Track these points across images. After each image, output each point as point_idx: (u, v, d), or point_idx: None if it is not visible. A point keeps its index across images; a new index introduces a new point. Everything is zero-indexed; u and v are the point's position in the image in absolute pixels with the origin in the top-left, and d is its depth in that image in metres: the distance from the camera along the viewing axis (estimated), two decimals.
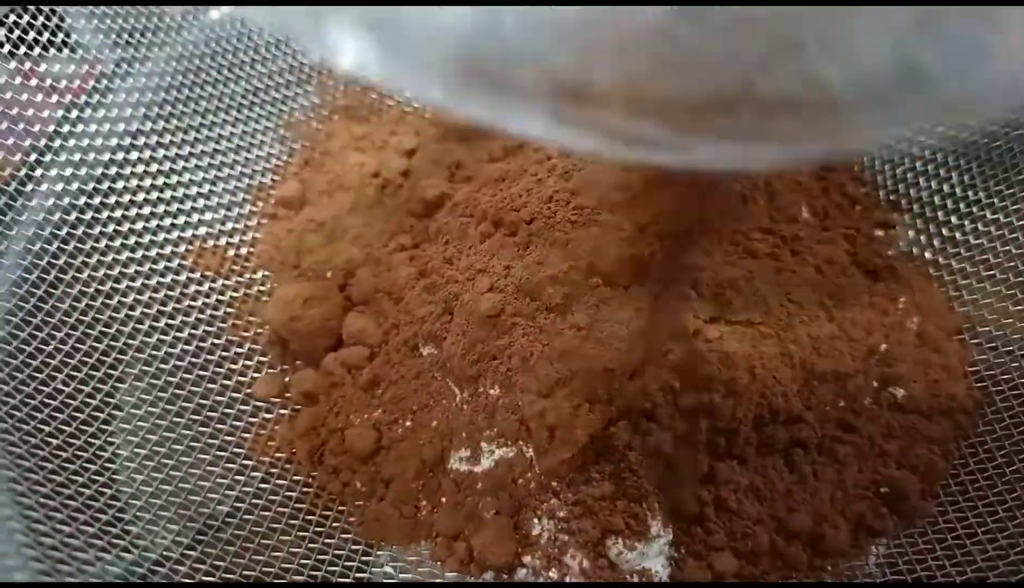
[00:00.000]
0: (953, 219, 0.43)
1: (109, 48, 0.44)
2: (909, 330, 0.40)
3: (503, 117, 0.17)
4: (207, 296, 0.41)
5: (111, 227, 0.40)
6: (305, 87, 0.51)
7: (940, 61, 0.18)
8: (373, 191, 0.45)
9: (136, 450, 0.35)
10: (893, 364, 0.38)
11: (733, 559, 0.33)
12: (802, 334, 0.37)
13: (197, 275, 0.42)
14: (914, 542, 0.34)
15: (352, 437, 0.37)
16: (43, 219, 0.38)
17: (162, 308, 0.40)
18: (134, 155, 0.42)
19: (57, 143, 0.40)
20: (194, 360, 0.39)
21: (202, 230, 0.43)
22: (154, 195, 0.42)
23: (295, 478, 0.37)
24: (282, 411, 0.39)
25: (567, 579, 0.33)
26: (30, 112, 0.40)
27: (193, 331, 0.40)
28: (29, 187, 0.38)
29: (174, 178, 0.43)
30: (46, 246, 0.37)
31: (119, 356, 0.37)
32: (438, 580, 0.34)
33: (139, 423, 0.36)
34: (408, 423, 0.37)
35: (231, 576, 0.32)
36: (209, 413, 0.38)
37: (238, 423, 0.38)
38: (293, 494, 0.36)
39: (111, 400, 0.36)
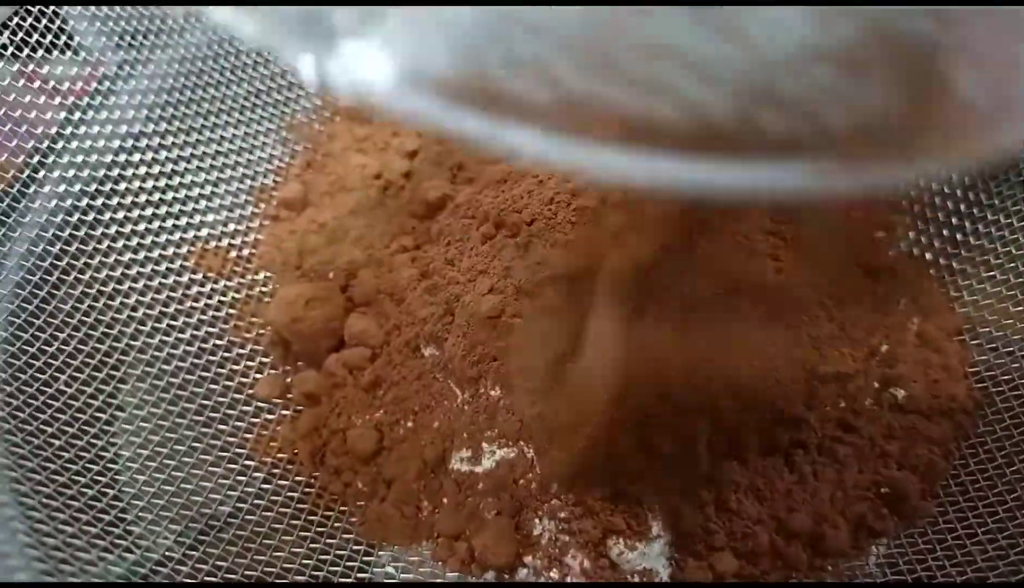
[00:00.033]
0: (953, 219, 0.43)
1: (111, 50, 0.44)
2: (909, 330, 0.40)
3: (497, 134, 0.16)
4: (209, 297, 0.41)
5: (113, 228, 0.40)
6: (307, 89, 0.51)
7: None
8: (375, 193, 0.46)
9: (138, 451, 0.35)
10: (893, 365, 0.38)
11: (733, 559, 0.33)
12: (803, 335, 0.37)
13: (199, 276, 0.42)
14: (914, 542, 0.34)
15: (354, 438, 0.37)
16: (46, 220, 0.38)
17: (164, 309, 0.40)
18: (136, 157, 0.42)
19: (60, 145, 0.40)
20: (196, 361, 0.39)
21: (204, 231, 0.43)
22: (156, 196, 0.42)
23: (297, 478, 0.37)
24: (284, 412, 0.39)
25: (568, 579, 0.33)
26: (33, 114, 0.40)
27: (195, 332, 0.40)
28: (32, 188, 0.39)
29: (176, 179, 0.43)
30: (49, 247, 0.38)
31: (121, 357, 0.37)
32: (439, 580, 0.34)
33: (141, 424, 0.36)
34: (409, 424, 0.37)
35: (233, 576, 0.32)
36: (211, 414, 0.38)
37: (240, 424, 0.38)
38: (295, 494, 0.36)
39: (114, 401, 0.36)
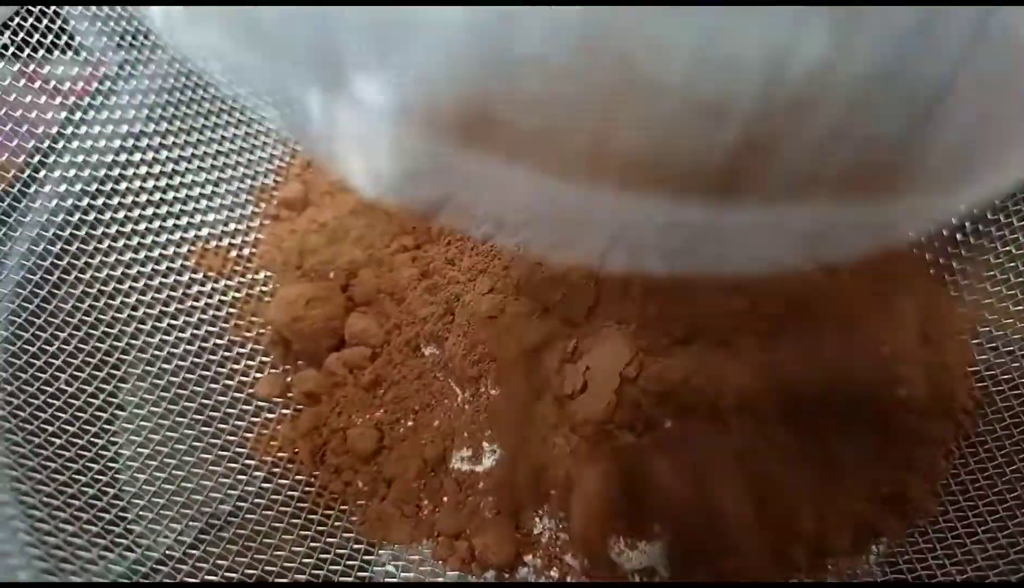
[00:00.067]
0: (953, 219, 0.43)
1: (112, 50, 0.44)
2: (910, 330, 0.40)
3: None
4: (210, 297, 0.41)
5: (114, 228, 0.40)
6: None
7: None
8: None
9: (139, 450, 0.35)
10: (894, 364, 0.38)
11: (734, 559, 0.33)
12: (807, 335, 0.37)
13: (200, 276, 0.42)
14: (914, 541, 0.34)
15: (354, 437, 0.37)
16: (46, 220, 0.38)
17: (165, 308, 0.40)
18: (137, 156, 0.42)
19: (60, 144, 0.40)
20: (197, 360, 0.39)
21: (205, 231, 0.43)
22: (157, 196, 0.42)
23: (297, 477, 0.37)
24: (284, 411, 0.39)
25: (568, 579, 0.33)
26: (34, 114, 0.40)
27: (196, 331, 0.40)
28: (33, 188, 0.39)
29: (177, 179, 0.43)
30: (49, 247, 0.38)
31: (122, 356, 0.37)
32: (439, 579, 0.34)
33: (142, 423, 0.36)
34: (410, 423, 0.37)
35: (233, 575, 0.32)
36: (211, 413, 0.38)
37: (240, 423, 0.38)
38: (295, 493, 0.36)
39: (114, 400, 0.36)
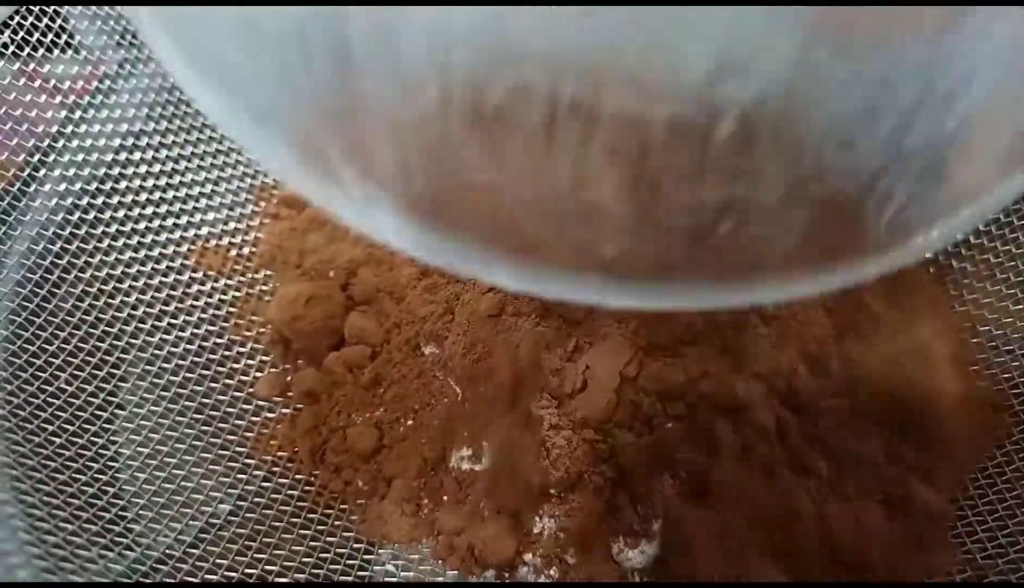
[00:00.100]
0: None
1: (112, 49, 0.44)
2: (909, 329, 0.40)
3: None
4: (209, 295, 0.41)
5: (114, 227, 0.40)
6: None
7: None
8: None
9: (138, 449, 0.35)
10: (894, 363, 0.38)
11: (735, 558, 0.33)
12: (807, 335, 0.37)
13: (199, 274, 0.42)
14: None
15: (354, 436, 0.37)
16: (46, 219, 0.38)
17: (164, 307, 0.40)
18: (137, 155, 0.42)
19: (60, 143, 0.40)
20: (196, 359, 0.39)
21: (204, 230, 0.43)
22: (157, 195, 0.42)
23: (297, 477, 0.37)
24: (284, 410, 0.39)
25: (568, 578, 0.33)
26: (33, 113, 0.40)
27: (195, 330, 0.40)
28: (32, 187, 0.39)
29: (177, 178, 0.43)
30: (49, 246, 0.38)
31: (122, 355, 0.37)
32: (439, 579, 0.34)
33: (141, 422, 0.36)
34: (410, 422, 0.37)
35: (233, 575, 0.32)
36: (211, 412, 0.38)
37: (240, 422, 0.38)
38: (295, 493, 0.36)
39: (114, 399, 0.36)
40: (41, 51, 0.41)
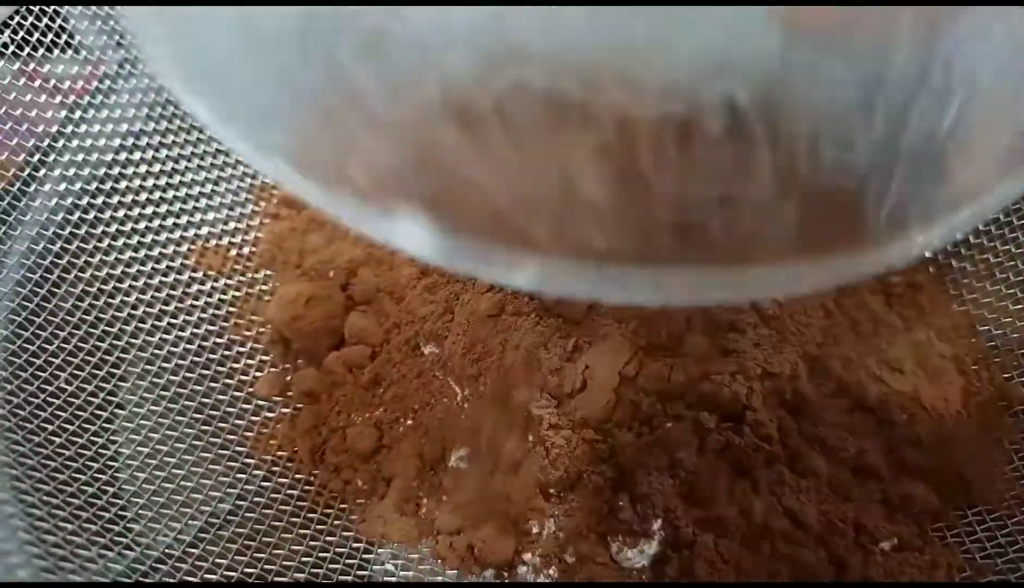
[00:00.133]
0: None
1: (112, 49, 0.44)
2: (909, 329, 0.40)
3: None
4: (209, 295, 0.41)
5: (114, 227, 0.40)
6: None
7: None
8: None
9: (138, 448, 0.35)
10: (894, 363, 0.38)
11: (734, 558, 0.33)
12: (807, 335, 0.37)
13: (199, 274, 0.42)
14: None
15: (353, 435, 0.37)
16: (46, 219, 0.38)
17: (164, 307, 0.40)
18: (137, 155, 0.42)
19: (60, 143, 0.40)
20: (196, 359, 0.39)
21: (204, 229, 0.43)
22: (157, 195, 0.42)
23: (297, 476, 0.37)
24: (284, 410, 0.39)
25: (567, 577, 0.33)
26: (34, 113, 0.40)
27: (195, 330, 0.40)
28: (32, 187, 0.39)
29: (177, 178, 0.43)
30: (49, 245, 0.38)
31: (121, 355, 0.37)
32: (439, 578, 0.34)
33: (141, 421, 0.36)
34: (409, 422, 0.37)
35: (233, 574, 0.32)
36: (211, 412, 0.38)
37: (240, 421, 0.38)
38: (295, 492, 0.36)
39: (113, 399, 0.36)
40: (41, 51, 0.41)
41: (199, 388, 0.38)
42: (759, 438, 0.34)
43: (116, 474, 0.34)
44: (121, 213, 0.41)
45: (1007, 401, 0.37)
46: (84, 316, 0.37)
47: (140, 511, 0.33)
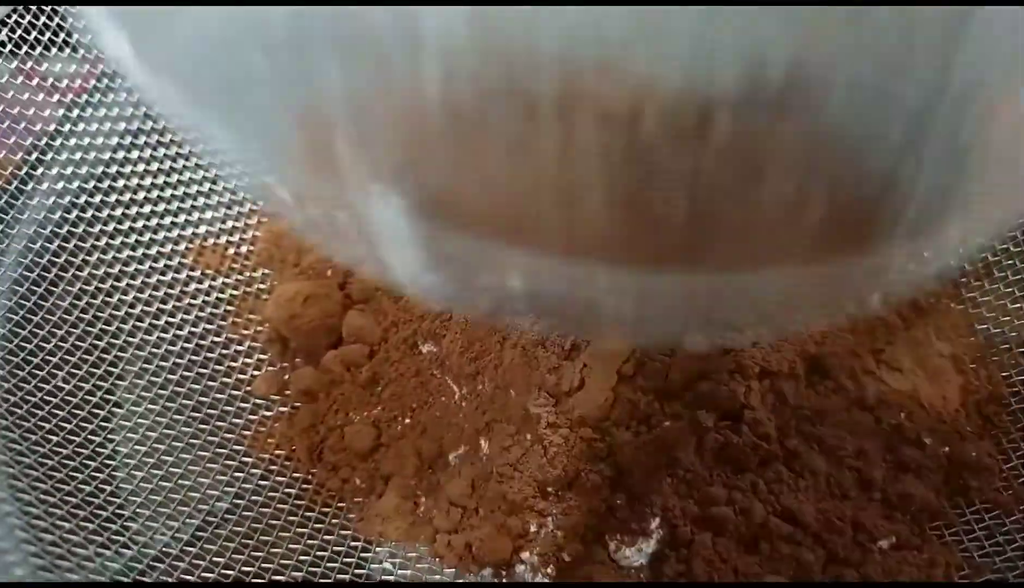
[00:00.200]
0: None
1: None
2: (908, 327, 0.40)
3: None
4: (207, 294, 0.41)
5: (111, 225, 0.40)
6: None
7: None
8: None
9: (136, 447, 0.35)
10: (893, 361, 0.38)
11: (733, 558, 0.33)
12: (806, 335, 0.37)
13: (197, 273, 0.42)
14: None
15: (351, 434, 0.37)
16: (44, 217, 0.38)
17: (162, 306, 0.40)
18: (135, 154, 0.42)
19: (58, 142, 0.40)
20: (194, 358, 0.39)
21: (202, 228, 0.43)
22: (155, 193, 0.42)
23: (294, 475, 0.37)
24: (282, 408, 0.39)
25: (565, 576, 0.33)
26: (31, 111, 0.40)
27: (193, 329, 0.40)
28: (30, 186, 0.39)
29: (174, 176, 0.43)
30: (47, 244, 0.38)
31: (119, 354, 0.37)
32: (437, 577, 0.34)
33: (139, 420, 0.36)
34: (407, 420, 0.37)
35: (230, 573, 0.32)
36: (209, 410, 0.38)
37: (238, 420, 0.38)
38: (292, 491, 0.36)
39: (111, 397, 0.36)
40: (39, 49, 0.41)
41: (197, 387, 0.38)
42: (757, 437, 0.34)
43: (113, 472, 0.33)
44: (119, 212, 0.41)
45: (1007, 400, 0.37)
46: (82, 314, 0.37)
47: (137, 509, 0.33)
